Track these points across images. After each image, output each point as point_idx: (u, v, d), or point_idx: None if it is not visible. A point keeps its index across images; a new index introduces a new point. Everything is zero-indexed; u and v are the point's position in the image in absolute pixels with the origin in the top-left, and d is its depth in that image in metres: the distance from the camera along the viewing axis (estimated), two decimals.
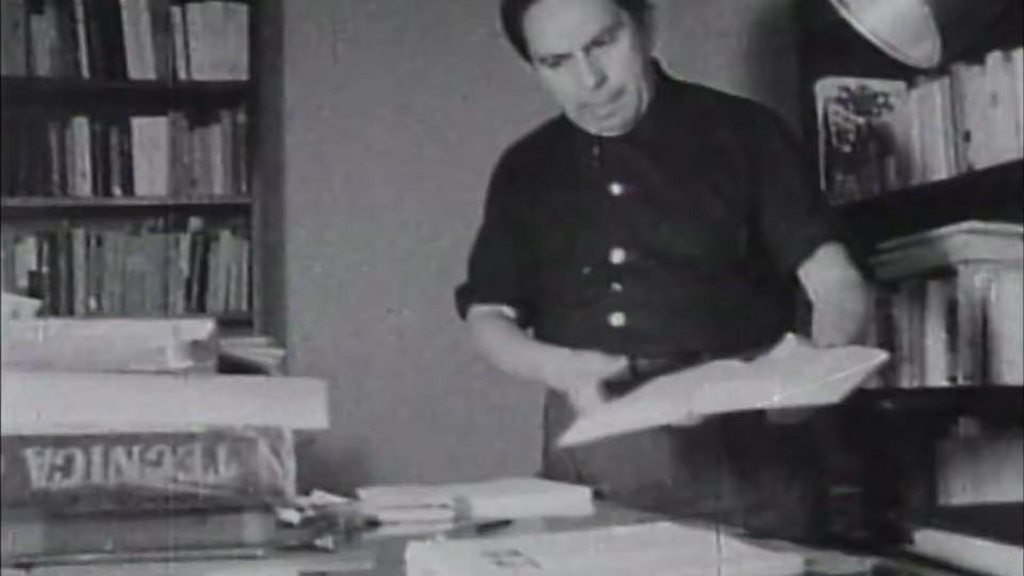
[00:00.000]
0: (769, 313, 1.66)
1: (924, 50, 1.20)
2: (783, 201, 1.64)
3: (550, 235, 1.71)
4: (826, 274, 1.64)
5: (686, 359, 1.53)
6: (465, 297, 1.81)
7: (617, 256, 1.65)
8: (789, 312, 1.72)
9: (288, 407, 0.98)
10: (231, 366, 1.07)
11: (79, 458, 0.93)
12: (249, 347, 1.08)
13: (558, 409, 1.67)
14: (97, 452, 0.93)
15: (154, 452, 0.94)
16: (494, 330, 1.76)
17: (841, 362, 1.29)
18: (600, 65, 1.58)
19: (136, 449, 0.94)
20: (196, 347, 0.98)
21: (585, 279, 1.67)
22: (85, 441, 0.94)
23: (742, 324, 1.63)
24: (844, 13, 1.23)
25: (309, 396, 1.00)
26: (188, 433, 0.94)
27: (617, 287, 1.64)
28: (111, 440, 0.94)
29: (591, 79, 1.57)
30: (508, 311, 1.77)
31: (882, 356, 1.30)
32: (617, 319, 1.64)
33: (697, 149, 1.66)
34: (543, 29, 1.57)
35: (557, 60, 1.58)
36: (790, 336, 1.40)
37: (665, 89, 1.69)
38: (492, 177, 1.82)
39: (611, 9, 1.57)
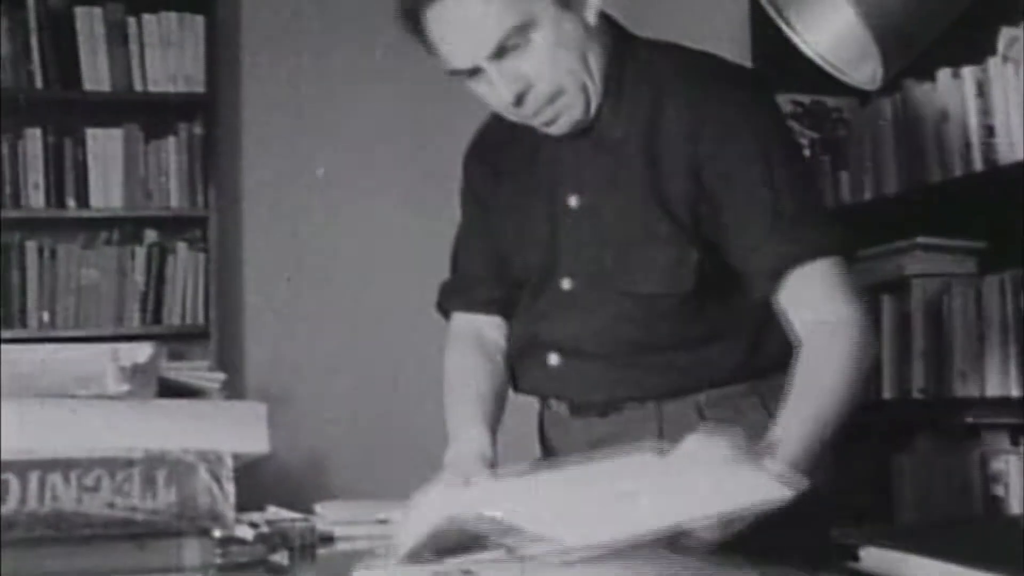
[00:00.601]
0: (739, 348, 1.38)
1: (867, 72, 1.21)
2: (741, 210, 1.29)
3: (515, 248, 1.49)
4: (803, 310, 1.29)
5: (622, 405, 1.39)
6: (445, 299, 1.59)
7: (566, 284, 1.41)
8: (764, 344, 1.39)
9: (228, 431, 0.97)
10: (172, 390, 1.06)
11: (14, 484, 0.92)
12: (190, 371, 1.07)
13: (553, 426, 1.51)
14: (33, 478, 0.92)
15: (92, 478, 0.93)
16: (453, 366, 1.54)
17: (687, 496, 1.03)
18: (520, 73, 1.29)
19: (73, 475, 0.93)
20: (135, 371, 0.97)
21: (539, 307, 1.45)
22: (20, 467, 0.93)
23: (696, 366, 1.37)
24: (791, 35, 1.24)
25: (250, 420, 0.99)
26: (127, 458, 0.93)
27: (558, 322, 1.42)
28: (47, 466, 0.92)
29: (509, 93, 1.29)
30: (491, 323, 1.54)
31: (758, 499, 1.04)
32: (553, 359, 1.42)
33: (649, 148, 1.34)
34: (440, 42, 1.30)
35: (470, 72, 1.31)
36: (693, 436, 1.15)
37: (627, 63, 1.36)
38: (464, 162, 1.57)
39: (517, 6, 1.26)
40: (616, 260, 1.36)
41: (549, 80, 1.30)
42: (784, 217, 1.28)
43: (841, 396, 1.25)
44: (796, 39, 1.24)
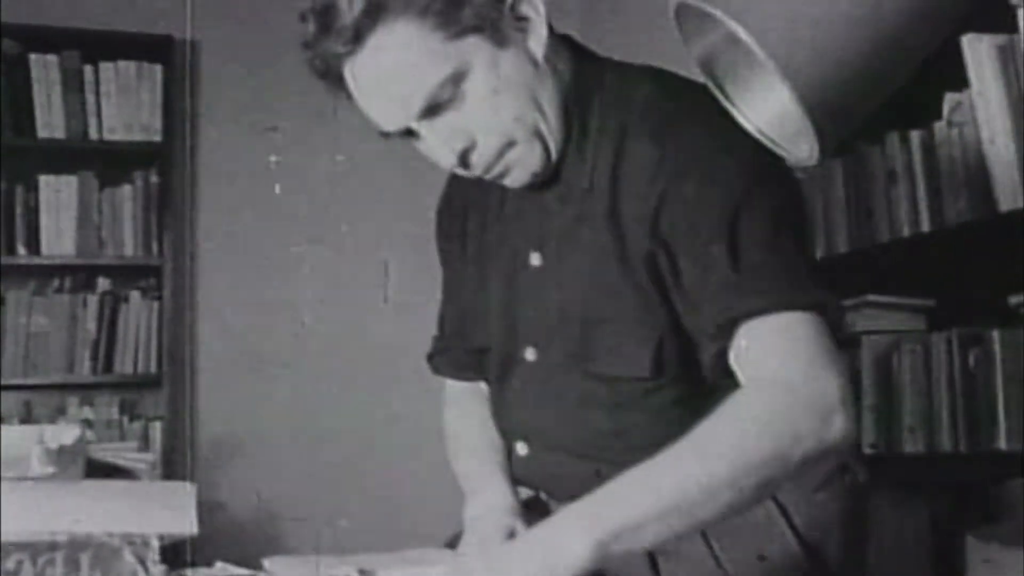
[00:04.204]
0: None
1: (804, 149, 1.23)
2: (697, 261, 1.09)
3: (474, 314, 1.30)
4: (747, 367, 1.05)
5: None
6: (433, 361, 1.41)
7: (530, 355, 1.22)
8: None
9: (156, 512, 0.96)
10: (101, 470, 1.05)
11: None
12: (119, 451, 1.06)
13: None
14: None
15: (12, 561, 0.91)
16: (455, 419, 1.39)
17: None
18: (458, 129, 1.11)
19: None
20: (62, 453, 0.96)
21: (505, 386, 1.27)
22: None
23: None
24: (733, 111, 1.25)
25: (177, 501, 0.98)
26: (50, 542, 0.91)
27: (525, 405, 1.25)
28: None
29: (450, 154, 1.12)
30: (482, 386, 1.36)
31: None
32: (521, 449, 1.26)
33: (612, 199, 1.14)
34: (363, 104, 1.12)
35: (404, 134, 1.13)
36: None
37: (593, 95, 1.17)
38: (436, 216, 1.38)
39: (444, 55, 1.07)
40: (580, 333, 1.16)
41: (494, 132, 1.11)
42: (742, 268, 1.06)
43: (728, 467, 0.98)
44: (735, 113, 1.25)
